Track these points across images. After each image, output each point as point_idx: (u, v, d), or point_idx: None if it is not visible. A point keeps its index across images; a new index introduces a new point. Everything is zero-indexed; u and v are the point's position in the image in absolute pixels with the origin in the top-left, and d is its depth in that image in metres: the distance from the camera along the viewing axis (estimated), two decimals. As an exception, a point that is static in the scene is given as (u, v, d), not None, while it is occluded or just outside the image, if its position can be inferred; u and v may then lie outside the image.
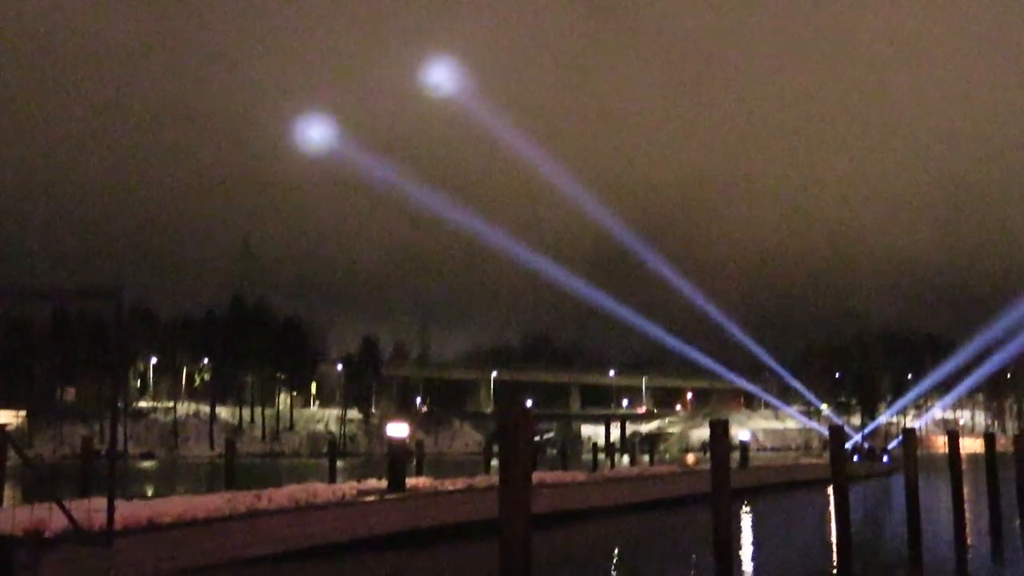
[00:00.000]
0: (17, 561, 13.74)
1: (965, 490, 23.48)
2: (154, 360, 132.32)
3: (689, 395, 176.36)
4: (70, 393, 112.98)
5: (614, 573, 17.94)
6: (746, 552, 19.54)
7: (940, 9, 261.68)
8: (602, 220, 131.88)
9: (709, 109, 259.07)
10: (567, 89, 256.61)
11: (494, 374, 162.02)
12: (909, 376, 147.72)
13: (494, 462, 36.88)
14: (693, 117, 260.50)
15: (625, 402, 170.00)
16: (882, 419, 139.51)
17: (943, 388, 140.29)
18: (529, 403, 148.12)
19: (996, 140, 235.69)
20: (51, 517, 14.76)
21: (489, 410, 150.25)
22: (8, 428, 23.45)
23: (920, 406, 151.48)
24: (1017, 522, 25.11)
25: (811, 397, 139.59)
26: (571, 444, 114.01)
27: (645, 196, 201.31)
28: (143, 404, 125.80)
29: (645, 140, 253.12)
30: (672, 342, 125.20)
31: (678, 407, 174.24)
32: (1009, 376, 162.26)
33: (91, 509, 15.16)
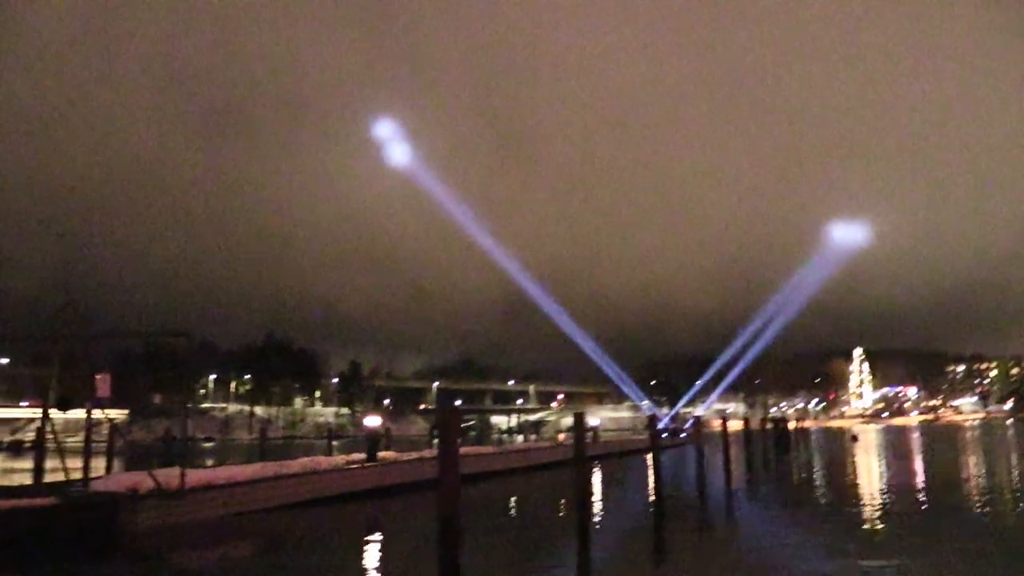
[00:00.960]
0: (122, 509, 13.50)
1: (732, 454, 23.93)
2: (213, 376, 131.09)
3: (561, 396, 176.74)
4: (158, 398, 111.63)
5: (512, 513, 17.86)
6: (596, 497, 19.63)
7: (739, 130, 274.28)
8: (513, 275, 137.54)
9: (584, 205, 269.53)
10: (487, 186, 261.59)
11: (436, 384, 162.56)
12: (698, 382, 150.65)
13: (436, 441, 36.51)
14: (573, 212, 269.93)
15: (520, 401, 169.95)
16: (680, 408, 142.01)
17: (717, 387, 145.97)
18: (458, 402, 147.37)
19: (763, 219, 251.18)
20: (144, 480, 14.42)
21: (433, 407, 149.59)
22: (116, 422, 22.71)
23: (704, 400, 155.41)
24: (763, 475, 25.69)
25: (642, 396, 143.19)
26: (485, 429, 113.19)
27: (545, 260, 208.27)
28: (205, 405, 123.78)
29: (541, 228, 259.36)
30: (562, 355, 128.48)
31: (554, 404, 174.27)
32: (758, 382, 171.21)
33: (170, 475, 14.82)
